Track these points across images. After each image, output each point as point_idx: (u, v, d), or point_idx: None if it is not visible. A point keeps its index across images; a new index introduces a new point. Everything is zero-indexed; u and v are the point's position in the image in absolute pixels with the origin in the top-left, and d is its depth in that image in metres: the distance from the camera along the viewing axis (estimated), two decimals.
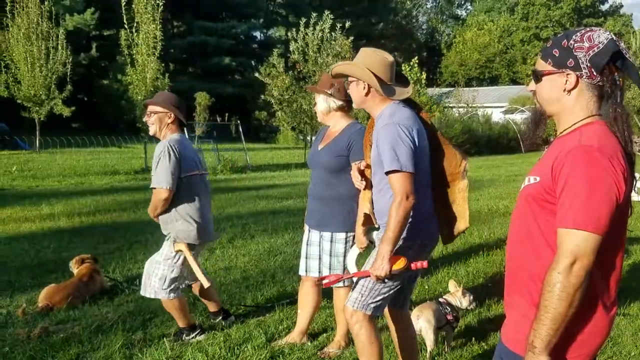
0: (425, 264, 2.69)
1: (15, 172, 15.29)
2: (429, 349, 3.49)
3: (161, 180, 3.58)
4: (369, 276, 2.67)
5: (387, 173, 2.60)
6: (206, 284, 3.83)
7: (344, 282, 3.49)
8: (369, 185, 2.92)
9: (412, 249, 2.71)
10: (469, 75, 49.68)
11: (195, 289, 4.14)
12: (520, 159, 21.66)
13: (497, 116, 31.75)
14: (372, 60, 2.75)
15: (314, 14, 18.63)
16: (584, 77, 1.67)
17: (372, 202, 2.89)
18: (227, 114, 28.60)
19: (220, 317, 4.21)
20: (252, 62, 43.21)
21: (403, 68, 30.11)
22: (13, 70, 22.69)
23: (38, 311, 4.39)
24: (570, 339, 1.65)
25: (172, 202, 3.68)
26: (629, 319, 4.22)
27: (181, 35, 43.46)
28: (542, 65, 1.75)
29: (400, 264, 2.60)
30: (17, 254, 6.31)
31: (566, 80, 1.69)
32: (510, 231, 1.83)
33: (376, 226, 2.93)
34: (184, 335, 3.88)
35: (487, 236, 7.23)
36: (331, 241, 3.46)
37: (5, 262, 5.96)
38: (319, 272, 3.62)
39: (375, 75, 2.70)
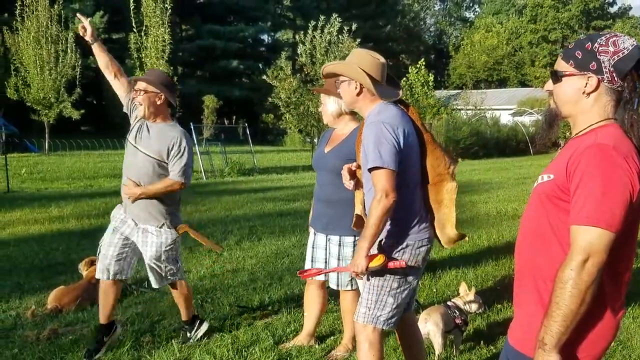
0: (403, 263, 2.61)
1: (25, 175, 15.39)
2: (437, 353, 3.47)
3: None
4: (350, 272, 2.66)
5: (370, 170, 2.58)
6: (219, 250, 3.84)
7: (351, 284, 3.49)
8: (360, 186, 2.91)
9: (406, 251, 2.66)
10: (477, 78, 49.55)
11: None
12: (529, 162, 21.53)
13: (505, 118, 31.59)
14: (364, 60, 2.73)
15: (322, 17, 18.70)
16: (605, 81, 1.66)
17: (364, 203, 2.86)
18: (234, 117, 28.79)
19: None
20: (260, 65, 43.41)
21: (410, 70, 30.17)
22: (23, 74, 22.91)
23: (47, 313, 4.41)
24: (580, 339, 1.65)
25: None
26: (638, 322, 4.19)
27: (189, 38, 43.69)
28: (562, 66, 1.74)
29: (378, 261, 2.56)
30: (27, 255, 6.35)
31: (586, 83, 1.68)
32: (521, 229, 1.82)
33: None
34: (188, 332, 3.89)
35: (496, 239, 7.19)
36: (339, 245, 3.43)
37: (14, 264, 6.00)
38: (326, 275, 3.61)
39: (368, 75, 2.69)
